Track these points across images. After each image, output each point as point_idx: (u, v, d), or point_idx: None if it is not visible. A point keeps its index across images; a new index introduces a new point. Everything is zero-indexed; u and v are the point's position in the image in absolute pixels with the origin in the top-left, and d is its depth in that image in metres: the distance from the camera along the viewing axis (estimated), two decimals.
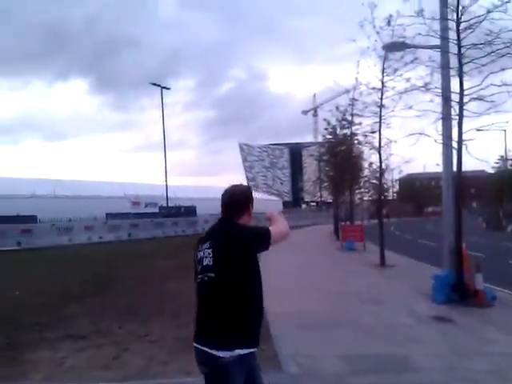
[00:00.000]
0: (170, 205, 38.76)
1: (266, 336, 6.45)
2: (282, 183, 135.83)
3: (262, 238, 2.67)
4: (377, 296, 9.35)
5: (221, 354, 2.50)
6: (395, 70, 12.62)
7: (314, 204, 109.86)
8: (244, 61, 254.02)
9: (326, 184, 34.05)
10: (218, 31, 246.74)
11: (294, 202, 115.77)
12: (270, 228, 2.72)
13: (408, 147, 11.09)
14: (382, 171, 14.38)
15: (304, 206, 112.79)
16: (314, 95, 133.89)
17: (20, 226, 24.45)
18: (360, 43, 13.07)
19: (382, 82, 13.10)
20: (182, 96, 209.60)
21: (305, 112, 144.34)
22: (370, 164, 20.13)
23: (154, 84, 38.62)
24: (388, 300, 8.98)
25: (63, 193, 41.43)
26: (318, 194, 78.28)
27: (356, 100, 19.00)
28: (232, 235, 2.64)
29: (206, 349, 2.55)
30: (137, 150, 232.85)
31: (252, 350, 2.62)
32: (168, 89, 39.88)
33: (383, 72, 12.97)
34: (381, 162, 14.15)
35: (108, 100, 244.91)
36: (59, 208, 34.98)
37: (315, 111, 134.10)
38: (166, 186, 37.36)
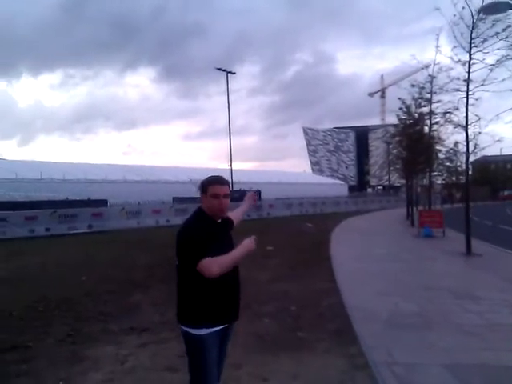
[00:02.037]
0: (234, 189, 38.54)
1: (352, 336, 5.61)
2: (347, 167, 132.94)
3: (186, 260, 2.91)
4: (471, 290, 8.20)
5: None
6: (484, 40, 11.48)
7: (381, 188, 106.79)
8: (310, 44, 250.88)
9: (396, 167, 32.16)
10: (284, 16, 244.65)
11: (359, 185, 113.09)
12: (206, 260, 2.75)
13: (504, 124, 9.86)
14: (468, 151, 12.92)
15: (370, 189, 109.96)
16: (382, 76, 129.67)
17: (91, 210, 25.02)
18: (438, 18, 12.23)
19: (470, 54, 11.87)
20: (248, 81, 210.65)
21: (371, 94, 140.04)
22: (456, 143, 18.59)
23: (220, 69, 38.31)
24: (486, 295, 7.81)
25: (132, 178, 42.38)
26: (385, 177, 75.67)
27: (434, 77, 17.67)
28: (179, 231, 3.03)
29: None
30: (203, 136, 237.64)
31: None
32: (233, 73, 39.50)
33: (471, 43, 11.74)
34: (468, 141, 12.72)
35: (175, 88, 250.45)
36: (128, 192, 35.70)
37: (383, 93, 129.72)
38: (231, 170, 37.18)
